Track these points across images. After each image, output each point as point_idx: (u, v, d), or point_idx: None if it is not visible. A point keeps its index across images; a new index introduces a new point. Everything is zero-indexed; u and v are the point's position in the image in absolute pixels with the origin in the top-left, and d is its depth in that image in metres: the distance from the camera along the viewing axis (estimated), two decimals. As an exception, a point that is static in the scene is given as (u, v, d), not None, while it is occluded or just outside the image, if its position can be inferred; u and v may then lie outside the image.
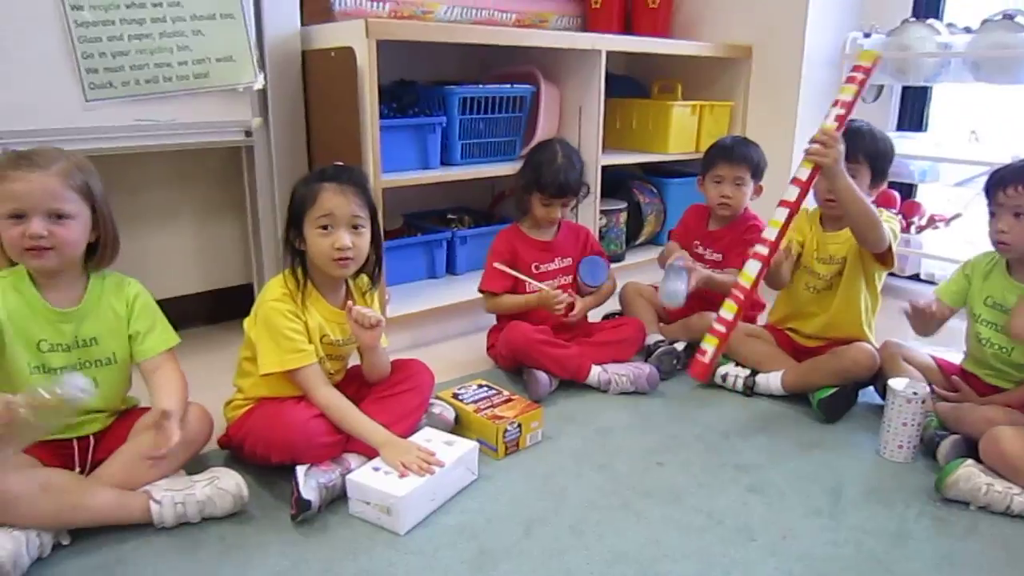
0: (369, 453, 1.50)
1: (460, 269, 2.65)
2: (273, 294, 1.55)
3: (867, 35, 2.81)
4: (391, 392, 1.64)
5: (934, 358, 1.88)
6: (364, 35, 2.00)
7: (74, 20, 1.76)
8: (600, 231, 2.76)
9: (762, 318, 2.25)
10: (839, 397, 1.86)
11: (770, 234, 1.73)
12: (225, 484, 1.40)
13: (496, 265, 2.09)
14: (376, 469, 1.45)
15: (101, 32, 1.80)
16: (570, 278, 2.17)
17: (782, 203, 1.73)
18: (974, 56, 2.54)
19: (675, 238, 2.37)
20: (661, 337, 2.17)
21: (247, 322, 1.58)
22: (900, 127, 3.01)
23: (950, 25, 2.68)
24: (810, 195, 1.99)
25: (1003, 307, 1.69)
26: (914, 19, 2.71)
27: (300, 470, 1.42)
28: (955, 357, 1.87)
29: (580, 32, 2.90)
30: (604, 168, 2.69)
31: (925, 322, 1.75)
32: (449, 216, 2.80)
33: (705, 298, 2.18)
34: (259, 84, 2.06)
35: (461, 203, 2.92)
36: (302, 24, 2.23)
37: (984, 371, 1.77)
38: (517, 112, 2.60)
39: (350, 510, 1.44)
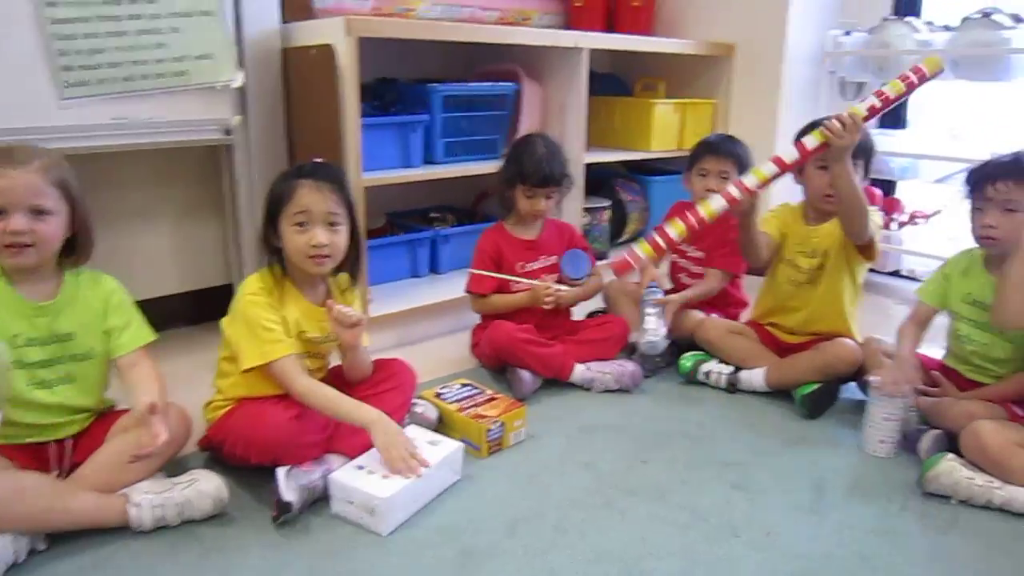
0: (351, 453, 1.49)
1: (443, 268, 2.64)
2: (250, 289, 1.53)
3: (847, 33, 2.83)
4: (373, 392, 1.63)
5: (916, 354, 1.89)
6: (345, 32, 1.98)
7: (49, 17, 1.73)
8: (584, 229, 2.75)
9: (745, 315, 2.26)
10: (822, 393, 1.86)
11: (749, 180, 1.74)
12: (205, 486, 1.38)
13: (478, 272, 2.08)
14: (360, 468, 1.44)
15: (77, 29, 1.77)
16: (555, 277, 2.16)
17: (775, 159, 1.74)
18: (953, 54, 2.56)
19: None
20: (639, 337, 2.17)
21: (224, 322, 1.56)
22: (880, 124, 3.02)
23: (929, 23, 2.70)
24: (795, 190, 2.01)
25: (983, 304, 1.70)
26: (894, 17, 2.73)
27: (281, 471, 1.40)
28: (936, 353, 1.88)
29: (563, 30, 2.89)
30: (587, 166, 2.68)
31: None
32: (432, 215, 2.79)
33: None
34: (238, 82, 2.04)
35: (444, 202, 2.91)
36: (282, 21, 2.21)
37: (964, 367, 1.78)
38: (500, 110, 2.59)
39: (332, 509, 1.43)
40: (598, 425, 1.82)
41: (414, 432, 1.57)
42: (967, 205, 1.70)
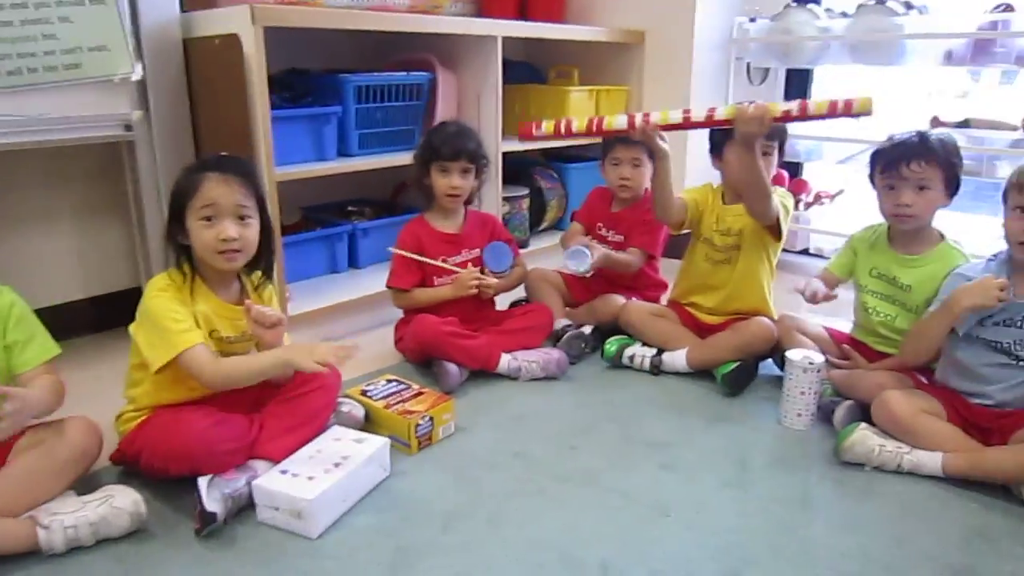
0: (277, 457, 1.44)
1: (363, 263, 2.59)
2: (157, 286, 1.47)
3: (753, 20, 2.91)
4: (296, 393, 1.58)
5: (826, 328, 1.97)
6: (250, 21, 1.91)
7: (-79, 7, 1.61)
8: (504, 218, 2.75)
9: (665, 298, 2.30)
10: (741, 371, 1.92)
11: (654, 116, 1.82)
12: (120, 502, 1.31)
13: (397, 251, 2.04)
14: (284, 472, 1.40)
15: (-47, 20, 1.65)
16: (477, 270, 2.15)
17: (684, 110, 1.82)
18: (851, 39, 2.67)
19: (579, 219, 2.40)
20: (568, 322, 2.19)
21: (132, 326, 1.48)
22: (786, 109, 3.13)
23: (828, 10, 2.81)
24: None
25: (887, 277, 1.78)
26: (795, 4, 2.82)
27: (203, 481, 1.34)
28: (844, 326, 1.96)
29: (475, 18, 2.87)
30: (505, 155, 2.67)
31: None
32: (349, 208, 2.73)
33: (610, 280, 2.22)
34: (137, 75, 1.94)
35: (361, 195, 2.85)
36: (182, 10, 2.12)
37: (872, 339, 1.86)
38: (415, 100, 2.55)
39: (258, 517, 1.38)
40: (526, 414, 1.82)
41: (338, 433, 1.54)
42: (876, 184, 1.77)
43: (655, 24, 2.98)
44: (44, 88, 1.80)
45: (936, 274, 1.70)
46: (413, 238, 2.09)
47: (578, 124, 1.89)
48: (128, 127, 1.99)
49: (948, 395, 1.62)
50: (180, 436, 1.38)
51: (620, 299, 2.17)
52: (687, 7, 2.86)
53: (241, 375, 1.44)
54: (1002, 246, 1.59)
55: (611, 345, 2.08)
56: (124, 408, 1.52)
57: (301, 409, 1.54)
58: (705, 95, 2.91)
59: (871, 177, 1.78)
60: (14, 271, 1.55)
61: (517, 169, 2.96)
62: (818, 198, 2.99)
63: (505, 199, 2.75)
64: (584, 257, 2.05)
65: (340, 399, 1.67)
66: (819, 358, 1.75)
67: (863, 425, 1.61)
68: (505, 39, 2.57)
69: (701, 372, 2.00)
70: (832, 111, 1.66)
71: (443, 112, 2.58)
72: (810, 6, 2.79)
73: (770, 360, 2.03)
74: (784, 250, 2.17)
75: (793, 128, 2.79)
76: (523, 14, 3.03)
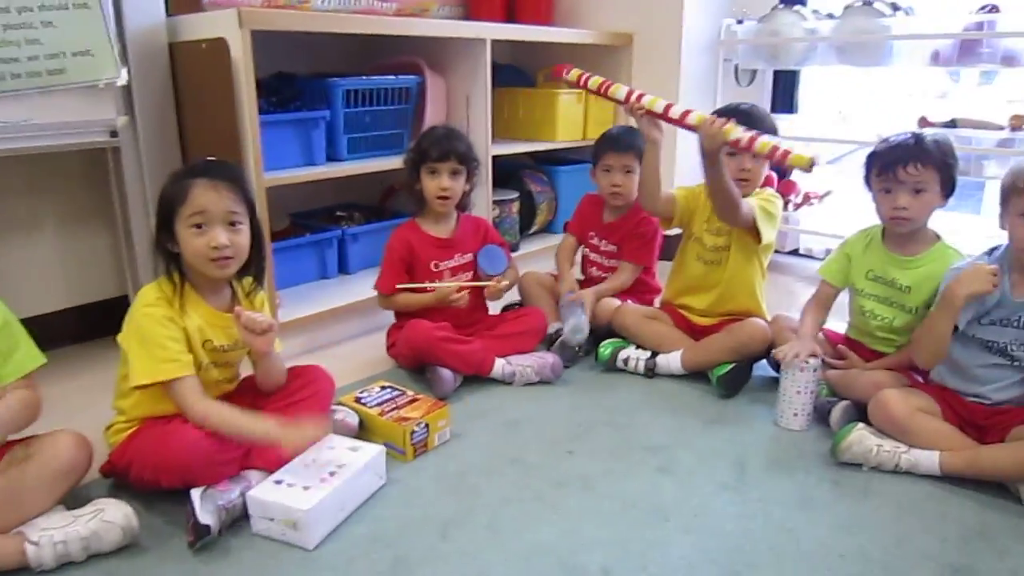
0: (271, 467, 1.42)
1: (353, 268, 2.57)
2: (147, 299, 1.43)
3: (740, 22, 2.91)
4: (289, 401, 1.56)
5: (821, 329, 1.97)
6: (237, 25, 1.89)
7: (-100, 12, 1.57)
8: (494, 221, 2.73)
9: (659, 301, 2.30)
10: (736, 372, 1.91)
11: (646, 98, 1.93)
12: (111, 516, 1.28)
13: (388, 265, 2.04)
14: (279, 482, 1.37)
15: (-66, 25, 1.62)
16: (470, 275, 2.13)
17: (667, 103, 1.91)
18: (838, 40, 2.68)
19: (571, 230, 2.40)
20: (561, 325, 2.17)
21: (121, 337, 1.45)
22: (773, 109, 3.14)
23: (815, 11, 2.82)
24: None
25: (885, 279, 1.78)
26: (783, 6, 2.83)
27: (195, 493, 1.32)
28: (839, 326, 1.96)
29: (463, 21, 2.85)
30: (495, 158, 2.66)
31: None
32: (338, 213, 2.71)
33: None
34: (122, 80, 1.91)
35: (350, 200, 2.83)
36: (168, 14, 2.09)
37: (868, 339, 1.86)
38: (404, 103, 2.53)
39: (253, 528, 1.36)
40: (522, 419, 1.81)
41: (333, 441, 1.51)
42: (872, 187, 1.75)
43: (643, 26, 2.98)
44: (28, 94, 1.76)
45: (934, 274, 1.69)
46: (403, 243, 2.07)
47: (593, 82, 2.05)
48: (113, 133, 1.97)
49: (944, 393, 1.62)
50: (173, 448, 1.35)
51: (615, 302, 2.17)
52: (675, 9, 2.86)
53: (223, 425, 1.39)
54: (992, 243, 1.60)
55: (605, 348, 2.07)
56: (114, 419, 1.49)
57: (295, 417, 1.51)
58: (693, 97, 2.91)
59: (866, 179, 1.77)
60: (-2, 280, 1.52)
61: (507, 172, 2.96)
62: (807, 199, 2.99)
63: (495, 203, 2.74)
64: (579, 313, 2.06)
65: (334, 407, 1.65)
66: (815, 358, 1.74)
67: (860, 425, 1.61)
68: (493, 42, 2.56)
69: (696, 374, 2.00)
70: (771, 155, 1.76)
71: (432, 115, 2.57)
72: (797, 8, 2.80)
73: (764, 361, 2.02)
74: (775, 251, 2.18)
75: (780, 129, 2.81)
76: (511, 17, 3.02)
